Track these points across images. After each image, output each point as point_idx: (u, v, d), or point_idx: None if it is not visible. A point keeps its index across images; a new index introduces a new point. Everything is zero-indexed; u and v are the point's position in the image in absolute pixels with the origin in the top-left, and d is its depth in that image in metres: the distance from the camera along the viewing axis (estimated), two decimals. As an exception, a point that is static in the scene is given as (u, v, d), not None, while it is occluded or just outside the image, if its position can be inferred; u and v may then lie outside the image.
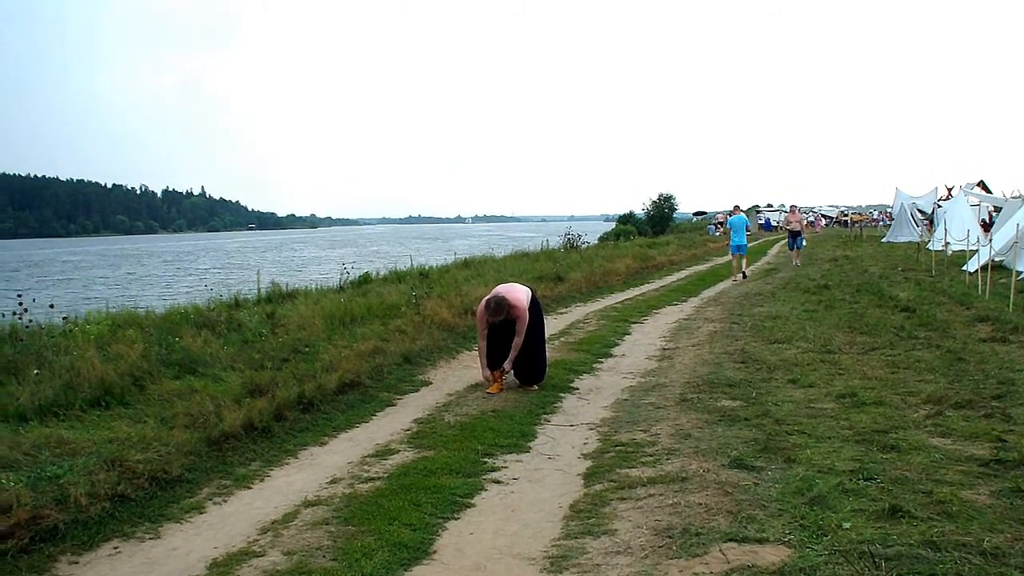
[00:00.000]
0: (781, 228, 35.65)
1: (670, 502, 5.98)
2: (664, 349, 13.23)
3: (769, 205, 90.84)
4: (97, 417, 7.99)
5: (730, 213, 36.96)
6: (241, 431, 7.97)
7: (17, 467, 6.36)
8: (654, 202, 78.91)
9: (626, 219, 77.48)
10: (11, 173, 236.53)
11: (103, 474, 6.38)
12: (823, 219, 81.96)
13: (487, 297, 10.47)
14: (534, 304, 10.73)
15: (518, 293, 10.52)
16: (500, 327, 10.39)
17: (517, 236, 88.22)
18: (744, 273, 27.11)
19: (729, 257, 28.50)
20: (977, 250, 22.06)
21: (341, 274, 21.61)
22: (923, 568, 4.48)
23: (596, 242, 46.61)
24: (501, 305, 10.21)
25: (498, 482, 6.88)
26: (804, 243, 32.68)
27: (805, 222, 37.43)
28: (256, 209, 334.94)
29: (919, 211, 44.79)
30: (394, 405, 9.85)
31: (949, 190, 42.81)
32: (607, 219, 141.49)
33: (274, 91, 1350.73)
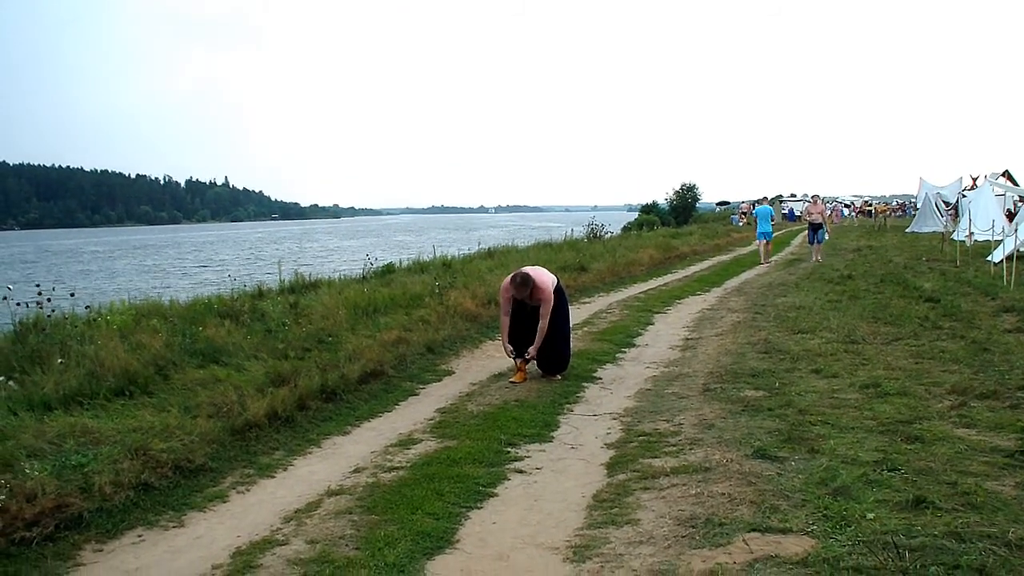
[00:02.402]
0: (803, 218, 35.16)
1: (693, 492, 5.97)
2: (687, 339, 13.20)
3: (792, 195, 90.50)
4: (121, 406, 8.02)
5: (754, 203, 37.20)
6: (264, 420, 8.00)
7: (42, 456, 6.39)
8: (677, 192, 78.62)
9: (649, 209, 77.19)
10: (36, 164, 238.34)
11: (127, 463, 6.42)
12: (842, 207, 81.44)
13: (513, 272, 10.42)
14: (559, 292, 10.61)
15: (543, 276, 10.43)
16: (524, 311, 10.32)
17: (540, 226, 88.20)
18: (764, 260, 28.82)
19: (754, 246, 29.34)
20: (1002, 240, 21.93)
21: (364, 264, 21.61)
22: (947, 559, 4.46)
23: (619, 232, 46.51)
24: (527, 280, 10.12)
25: (521, 472, 6.89)
26: (826, 236, 29.60)
27: (828, 213, 36.16)
28: (279, 199, 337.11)
29: (944, 201, 44.52)
30: (417, 395, 9.87)
31: (974, 180, 42.49)
32: (630, 209, 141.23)
33: (298, 83, 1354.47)
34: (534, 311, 10.27)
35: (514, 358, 10.52)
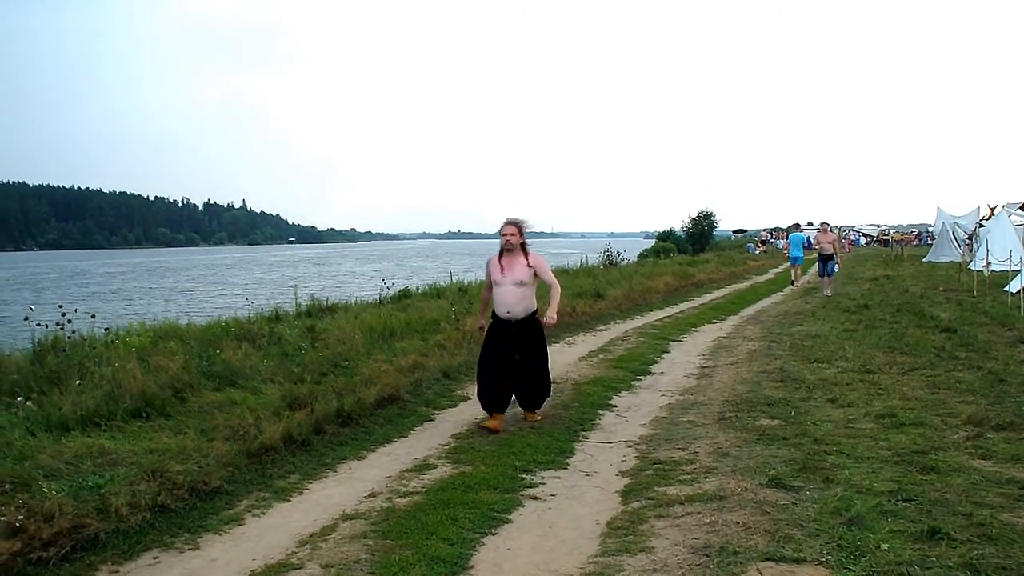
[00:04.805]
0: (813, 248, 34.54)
1: (708, 520, 5.97)
2: (703, 367, 13.20)
3: (809, 223, 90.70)
4: (138, 428, 8.06)
5: (771, 231, 37.88)
6: (280, 444, 8.02)
7: (59, 476, 6.43)
8: (693, 219, 78.58)
9: (666, 236, 77.15)
10: (55, 185, 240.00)
11: (144, 484, 6.45)
12: (859, 236, 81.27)
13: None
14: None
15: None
16: (509, 334, 9.43)
17: (556, 252, 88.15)
18: (795, 282, 31.29)
19: (771, 275, 29.93)
20: (1020, 270, 21.85)
21: (381, 289, 21.69)
22: (962, 591, 4.46)
23: (635, 259, 46.50)
24: (518, 223, 9.61)
25: (536, 498, 6.90)
26: (837, 268, 26.69)
27: (845, 241, 36.13)
28: (296, 223, 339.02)
29: (961, 231, 44.39)
30: (433, 420, 9.88)
31: (991, 209, 42.39)
32: (647, 236, 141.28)
33: (316, 106, 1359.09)
34: (521, 335, 9.48)
35: (489, 411, 9.49)
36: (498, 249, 9.65)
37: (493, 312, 9.64)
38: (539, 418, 9.72)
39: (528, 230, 9.69)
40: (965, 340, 13.64)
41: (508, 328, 9.45)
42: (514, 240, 9.48)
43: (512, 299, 9.39)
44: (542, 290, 9.76)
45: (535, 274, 9.50)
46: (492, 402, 9.44)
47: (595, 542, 5.86)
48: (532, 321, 9.58)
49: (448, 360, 12.31)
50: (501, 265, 9.52)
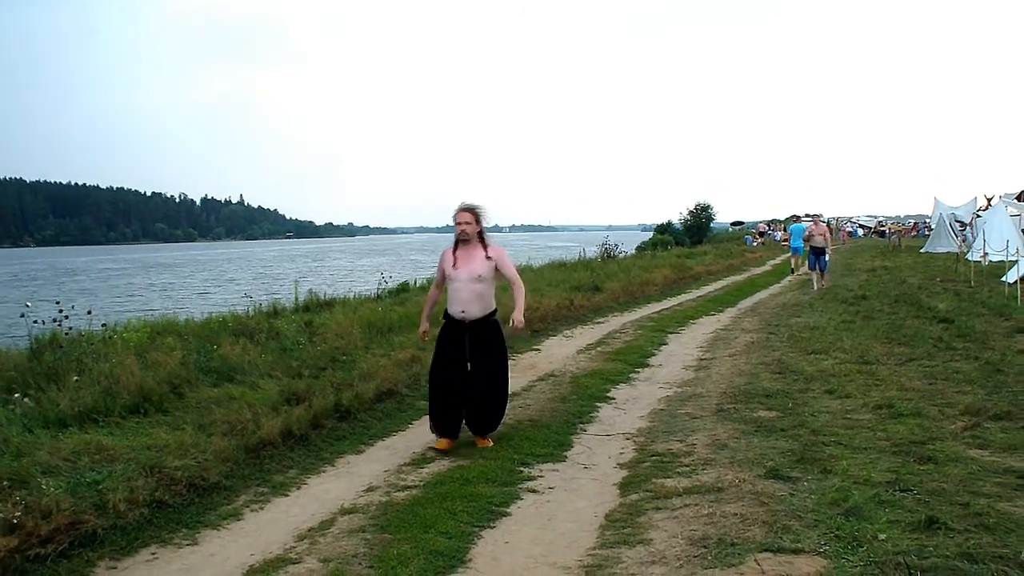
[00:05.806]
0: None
1: (705, 512, 5.97)
2: (701, 359, 13.19)
3: (808, 215, 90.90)
4: (136, 424, 8.05)
5: (769, 223, 38.27)
6: (278, 439, 8.02)
7: (57, 473, 6.42)
8: (691, 212, 78.54)
9: (663, 229, 77.12)
10: (52, 181, 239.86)
11: (141, 480, 6.44)
12: (856, 227, 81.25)
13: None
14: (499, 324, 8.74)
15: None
16: (460, 345, 8.36)
17: (554, 246, 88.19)
18: (794, 271, 32.34)
19: (768, 267, 30.09)
20: (1017, 260, 21.85)
21: (379, 283, 21.68)
22: (960, 580, 4.46)
23: (633, 252, 46.48)
24: (475, 207, 8.48)
25: (534, 491, 6.91)
26: (827, 262, 25.26)
27: (841, 232, 36.24)
28: (294, 217, 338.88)
29: (958, 221, 44.34)
30: (431, 414, 9.87)
31: (988, 200, 42.34)
32: (644, 229, 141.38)
33: (314, 102, 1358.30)
34: (476, 339, 8.37)
35: (439, 435, 8.42)
36: (453, 241, 8.62)
37: (446, 312, 8.61)
38: (490, 444, 8.36)
39: (486, 220, 8.60)
40: (962, 330, 13.64)
41: (461, 330, 8.40)
42: (470, 230, 8.41)
43: (468, 296, 8.33)
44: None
45: (495, 268, 8.47)
46: (440, 425, 8.40)
47: (593, 535, 5.87)
48: (490, 323, 8.49)
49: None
50: (455, 257, 8.46)
